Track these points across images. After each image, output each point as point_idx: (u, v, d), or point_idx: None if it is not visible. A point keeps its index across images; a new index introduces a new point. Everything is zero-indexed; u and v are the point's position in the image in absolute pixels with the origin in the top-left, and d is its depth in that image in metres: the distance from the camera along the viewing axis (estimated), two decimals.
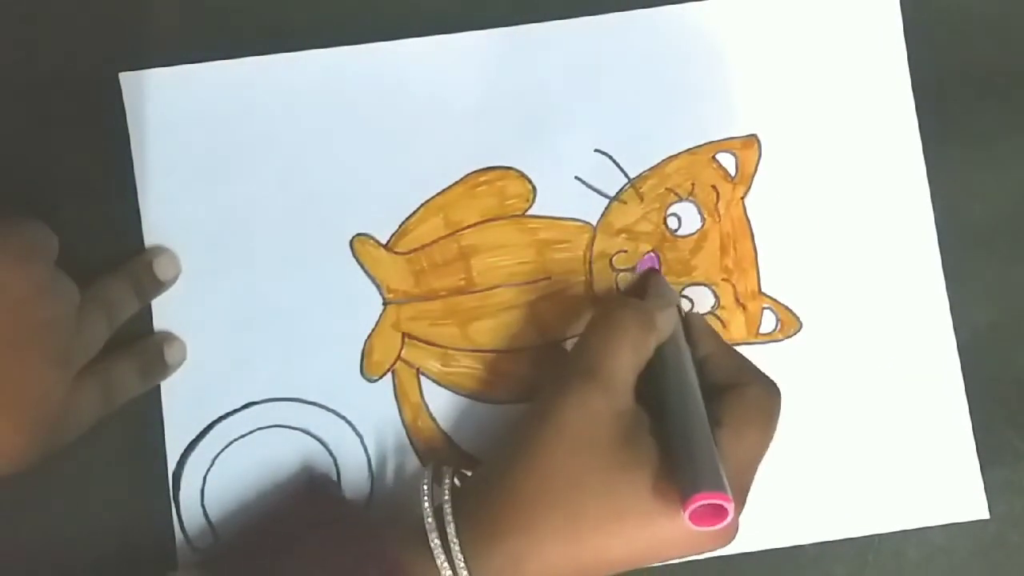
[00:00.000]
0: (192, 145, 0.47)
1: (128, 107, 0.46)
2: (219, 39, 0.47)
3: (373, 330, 0.46)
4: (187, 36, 0.47)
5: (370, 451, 0.46)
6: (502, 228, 0.47)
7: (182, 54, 0.47)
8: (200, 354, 0.46)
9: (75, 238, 0.45)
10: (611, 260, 0.47)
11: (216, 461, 0.46)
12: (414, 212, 0.47)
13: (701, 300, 0.47)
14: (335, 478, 0.46)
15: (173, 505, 0.45)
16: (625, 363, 0.41)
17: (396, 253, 0.47)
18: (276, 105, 0.47)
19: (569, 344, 0.47)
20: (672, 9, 0.48)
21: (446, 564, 0.38)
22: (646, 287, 0.46)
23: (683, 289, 0.47)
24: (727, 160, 0.47)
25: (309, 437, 0.46)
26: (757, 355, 0.46)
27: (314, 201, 0.47)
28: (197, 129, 0.47)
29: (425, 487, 0.41)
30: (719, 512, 0.36)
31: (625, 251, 0.47)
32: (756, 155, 0.47)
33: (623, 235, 0.47)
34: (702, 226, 0.47)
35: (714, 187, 0.47)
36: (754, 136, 0.48)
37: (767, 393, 0.42)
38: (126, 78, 0.46)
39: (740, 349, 0.46)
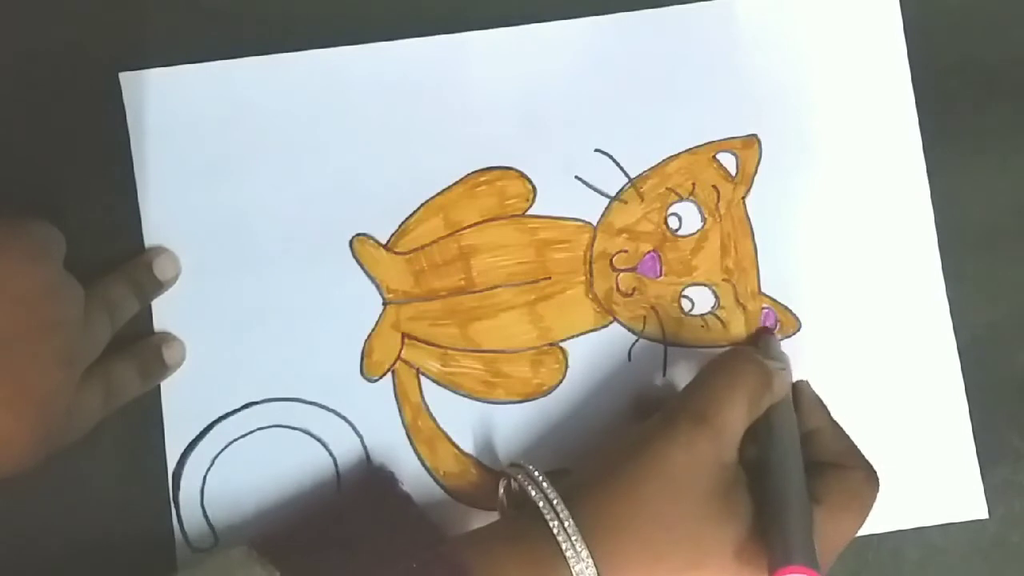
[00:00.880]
0: (192, 145, 0.47)
1: (128, 107, 0.46)
2: (219, 39, 0.47)
3: (373, 330, 0.46)
4: (187, 36, 0.47)
5: (370, 451, 0.46)
6: (502, 228, 0.47)
7: (182, 54, 0.47)
8: (200, 354, 0.46)
9: (75, 238, 0.45)
10: (611, 260, 0.47)
11: (216, 461, 0.46)
12: (414, 212, 0.47)
13: (701, 300, 0.47)
14: (335, 479, 0.46)
15: (173, 505, 0.45)
16: (739, 415, 0.40)
17: (396, 253, 0.47)
18: (276, 105, 0.47)
19: (568, 344, 0.47)
20: (672, 10, 0.48)
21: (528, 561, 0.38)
22: (758, 345, 0.46)
23: (683, 289, 0.47)
24: (727, 160, 0.47)
25: (309, 437, 0.46)
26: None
27: (314, 201, 0.47)
28: (197, 129, 0.47)
29: (502, 487, 0.41)
30: None
31: (626, 251, 0.47)
32: (756, 155, 0.47)
33: (624, 235, 0.47)
34: (703, 226, 0.47)
35: (715, 187, 0.47)
36: (754, 136, 0.48)
37: (869, 481, 0.41)
38: (126, 78, 0.46)
39: (739, 349, 0.46)
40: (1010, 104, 0.48)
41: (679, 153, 0.47)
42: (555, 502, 0.39)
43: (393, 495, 0.44)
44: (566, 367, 0.47)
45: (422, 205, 0.47)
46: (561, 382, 0.47)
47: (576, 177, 0.47)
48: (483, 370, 0.47)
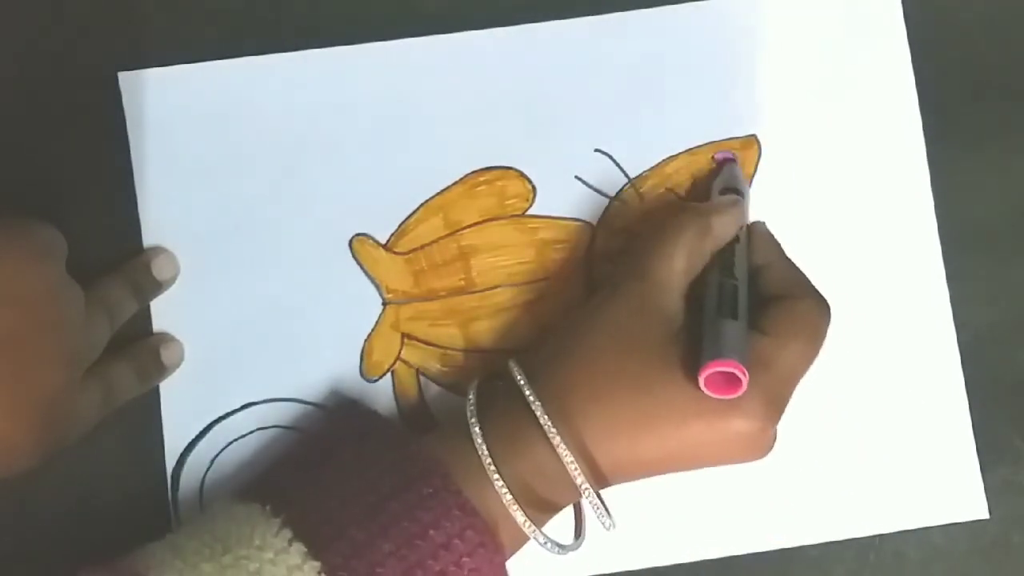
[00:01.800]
0: (191, 145, 0.47)
1: (127, 107, 0.46)
2: (218, 39, 0.47)
3: (372, 330, 0.46)
4: (186, 36, 0.47)
5: None
6: (502, 228, 0.47)
7: (181, 54, 0.47)
8: (200, 354, 0.46)
9: (75, 238, 0.44)
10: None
11: (216, 461, 0.46)
12: (414, 212, 0.47)
13: None
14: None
15: (172, 505, 0.45)
16: (677, 266, 0.41)
17: (395, 253, 0.47)
18: (276, 105, 0.47)
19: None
20: (672, 10, 0.47)
21: (486, 452, 0.39)
22: (720, 174, 0.46)
23: None
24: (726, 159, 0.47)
25: None
26: None
27: (314, 201, 0.47)
28: (196, 129, 0.47)
29: (472, 393, 0.41)
30: (734, 383, 0.37)
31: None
32: (756, 155, 0.47)
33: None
34: None
35: None
36: (754, 136, 0.47)
37: (817, 309, 0.41)
38: (125, 78, 0.46)
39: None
40: (1011, 104, 0.48)
41: (679, 153, 0.47)
42: (521, 382, 0.40)
43: (355, 411, 0.45)
44: None
45: (422, 205, 0.47)
46: None
47: (576, 177, 0.47)
48: (483, 370, 0.46)
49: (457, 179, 0.47)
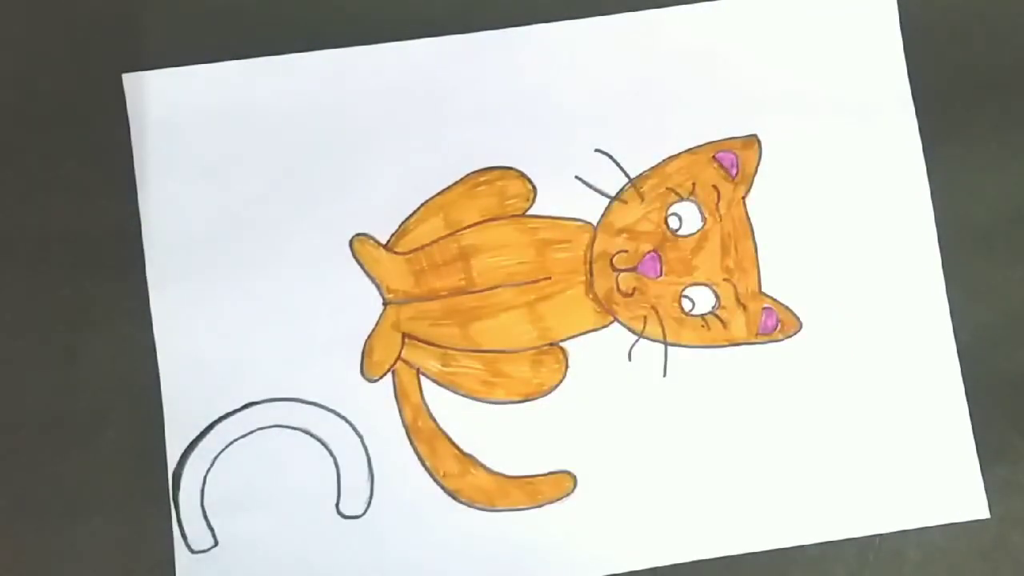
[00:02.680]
0: (193, 145, 0.47)
1: (130, 107, 0.47)
2: (221, 41, 0.47)
3: (373, 330, 0.46)
4: (189, 37, 0.47)
5: (370, 451, 0.46)
6: (502, 228, 0.47)
7: (184, 55, 0.47)
8: (200, 354, 0.46)
9: (75, 238, 0.45)
10: (612, 260, 0.47)
11: (216, 461, 0.46)
12: (414, 212, 0.47)
13: (702, 300, 0.47)
14: (335, 479, 0.46)
15: (173, 505, 0.45)
16: None
17: (396, 253, 0.47)
18: (277, 106, 0.47)
19: (568, 344, 0.47)
20: (672, 10, 0.48)
21: None
22: None
23: (684, 289, 0.47)
24: (728, 160, 0.47)
25: (309, 437, 0.46)
26: (757, 355, 0.46)
27: (314, 201, 0.47)
28: (199, 129, 0.47)
29: None
30: None
31: (626, 251, 0.47)
32: (756, 155, 0.48)
33: (624, 235, 0.47)
34: (703, 226, 0.47)
35: (715, 187, 0.47)
36: (754, 136, 0.48)
37: None
38: (129, 79, 0.47)
39: (740, 349, 0.46)
40: (1010, 104, 0.48)
41: (679, 153, 0.47)
42: None
43: None
44: (566, 367, 0.47)
45: (422, 205, 0.47)
46: (561, 382, 0.47)
47: (576, 177, 0.47)
48: (483, 370, 0.47)
49: (458, 179, 0.47)
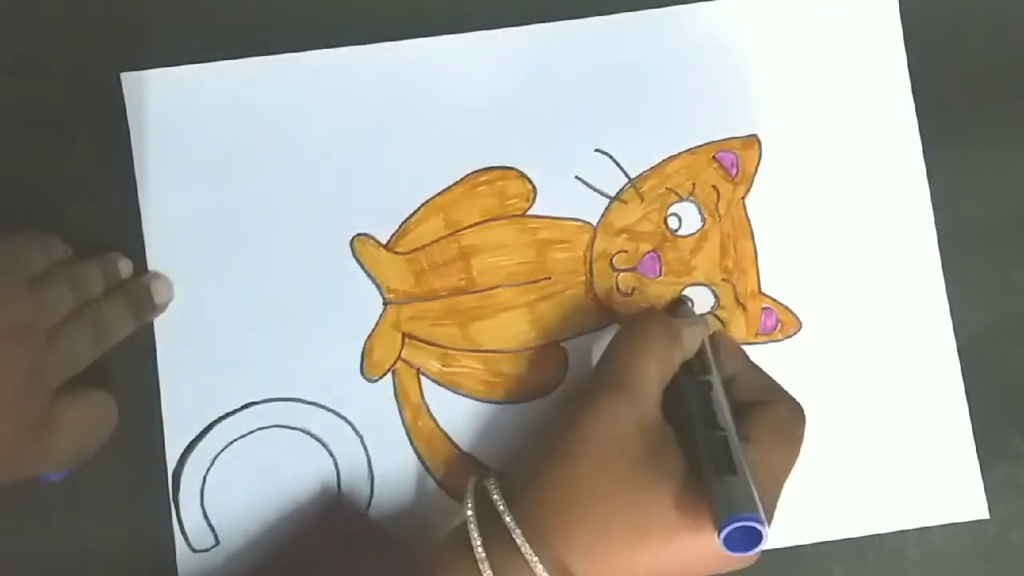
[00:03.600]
0: (193, 145, 0.47)
1: (129, 107, 0.47)
2: (220, 40, 0.47)
3: (373, 330, 0.46)
4: (188, 36, 0.47)
5: (370, 451, 0.46)
6: (502, 228, 0.47)
7: (183, 54, 0.47)
8: (200, 354, 0.46)
9: (75, 238, 0.45)
10: (611, 260, 0.47)
11: (216, 461, 0.46)
12: (414, 212, 0.47)
13: (701, 300, 0.47)
14: (335, 479, 0.46)
15: (173, 505, 0.45)
16: (652, 375, 0.40)
17: (396, 253, 0.47)
18: (277, 105, 0.47)
19: (568, 344, 0.47)
20: (673, 10, 0.48)
21: (485, 561, 0.38)
22: (674, 312, 0.46)
23: (683, 289, 0.47)
24: (728, 160, 0.47)
25: (309, 437, 0.46)
26: (757, 355, 0.46)
27: (314, 201, 0.47)
28: (198, 129, 0.47)
29: (469, 499, 0.40)
30: (752, 535, 0.35)
31: (626, 251, 0.47)
32: (756, 155, 0.48)
33: (624, 235, 0.47)
34: (702, 226, 0.47)
35: (714, 187, 0.47)
36: (754, 136, 0.48)
37: (793, 412, 0.42)
38: (128, 78, 0.47)
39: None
40: (1009, 104, 0.48)
41: (679, 153, 0.47)
42: (501, 507, 0.39)
43: (343, 512, 0.44)
44: (566, 367, 0.47)
45: (422, 205, 0.47)
46: (561, 382, 0.47)
47: (576, 177, 0.47)
48: (483, 370, 0.47)
49: (458, 179, 0.47)
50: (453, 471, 0.46)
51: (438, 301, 0.47)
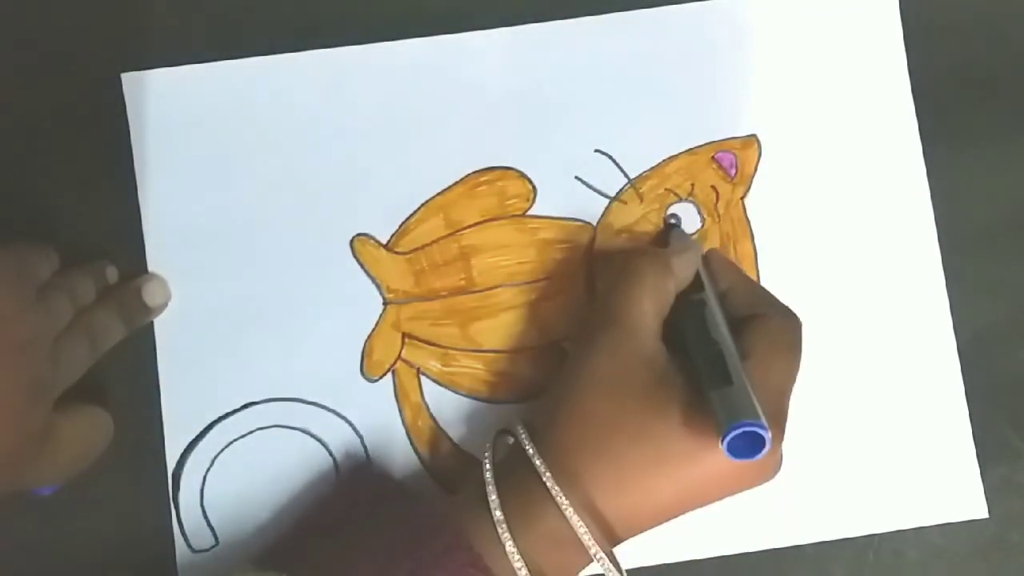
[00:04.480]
0: (193, 145, 0.47)
1: (130, 107, 0.47)
2: (221, 40, 0.47)
3: (373, 330, 0.46)
4: (189, 36, 0.47)
5: (370, 451, 0.46)
6: (502, 228, 0.47)
7: (184, 54, 0.47)
8: (200, 354, 0.46)
9: (75, 238, 0.45)
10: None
11: (216, 461, 0.46)
12: (414, 212, 0.47)
13: None
14: (334, 477, 0.46)
15: (173, 505, 0.45)
16: (647, 309, 0.41)
17: (396, 253, 0.47)
18: (277, 105, 0.47)
19: (568, 344, 0.47)
20: (672, 9, 0.48)
21: (503, 523, 0.38)
22: (668, 239, 0.47)
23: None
24: (727, 160, 0.47)
25: (309, 437, 0.46)
26: None
27: (314, 201, 0.47)
28: (198, 129, 0.47)
29: (488, 452, 0.41)
30: (757, 441, 0.36)
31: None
32: (756, 155, 0.48)
33: (623, 235, 0.47)
34: (702, 226, 0.47)
35: (714, 187, 0.47)
36: (754, 136, 0.48)
37: (790, 322, 0.42)
38: (128, 78, 0.47)
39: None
40: (1009, 104, 0.48)
41: (679, 153, 0.47)
42: (530, 451, 0.40)
43: (389, 490, 0.44)
44: None
45: (422, 205, 0.47)
46: None
47: (576, 177, 0.47)
48: (483, 370, 0.47)
49: (458, 179, 0.47)
50: (453, 471, 0.46)
51: (438, 301, 0.47)
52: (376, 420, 0.46)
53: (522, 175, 0.47)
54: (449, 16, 0.47)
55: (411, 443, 0.46)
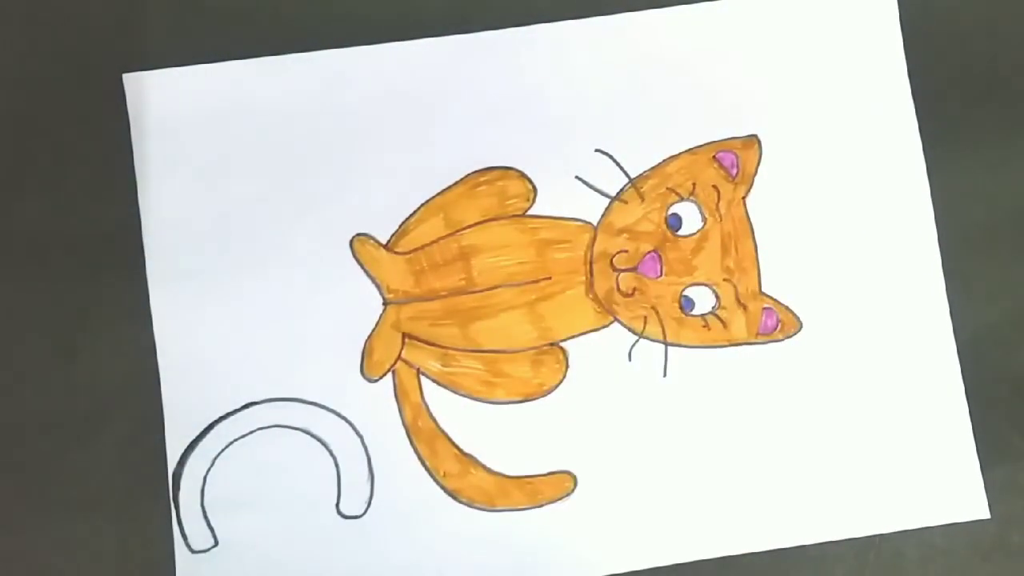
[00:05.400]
0: (193, 145, 0.47)
1: (131, 108, 0.47)
2: (221, 41, 0.47)
3: (373, 330, 0.46)
4: (190, 38, 0.47)
5: (370, 451, 0.46)
6: (502, 228, 0.47)
7: (185, 55, 0.47)
8: (200, 354, 0.46)
9: (75, 238, 0.45)
10: (612, 260, 0.47)
11: (216, 461, 0.46)
12: (414, 212, 0.47)
13: (702, 300, 0.47)
14: (335, 479, 0.46)
15: (173, 505, 0.45)
16: None
17: (396, 253, 0.47)
18: (277, 106, 0.47)
19: (568, 344, 0.47)
20: (673, 11, 0.48)
21: None
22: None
23: (684, 289, 0.47)
24: (728, 160, 0.47)
25: (309, 437, 0.46)
26: (757, 355, 0.46)
27: (314, 201, 0.47)
28: (199, 130, 0.47)
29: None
30: None
31: (626, 251, 0.47)
32: (757, 155, 0.48)
33: (624, 235, 0.47)
34: (703, 226, 0.47)
35: (715, 187, 0.47)
36: (754, 136, 0.48)
37: None
38: (129, 79, 0.47)
39: (740, 349, 0.46)
40: (1009, 104, 0.48)
41: (679, 153, 0.47)
42: None
43: None
44: (566, 367, 0.47)
45: (422, 205, 0.47)
46: (561, 382, 0.47)
47: (576, 177, 0.47)
48: (483, 370, 0.47)
49: (458, 179, 0.47)
50: (453, 471, 0.46)
51: (438, 301, 0.47)
52: (376, 420, 0.46)
53: (522, 175, 0.47)
54: (449, 17, 0.47)
55: (411, 443, 0.46)
